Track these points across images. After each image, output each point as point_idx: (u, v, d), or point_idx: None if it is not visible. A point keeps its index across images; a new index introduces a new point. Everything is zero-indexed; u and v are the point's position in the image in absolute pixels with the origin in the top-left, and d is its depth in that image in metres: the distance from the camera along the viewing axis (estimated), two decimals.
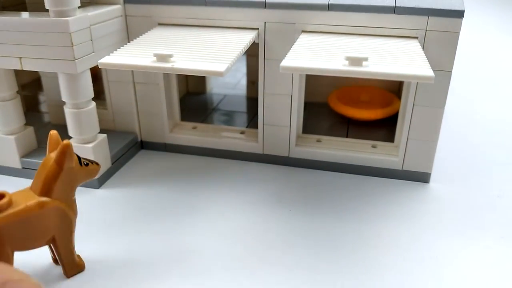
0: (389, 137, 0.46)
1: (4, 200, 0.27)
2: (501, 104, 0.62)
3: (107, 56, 0.34)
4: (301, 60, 0.31)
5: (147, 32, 0.40)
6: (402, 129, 0.41)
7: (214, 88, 0.61)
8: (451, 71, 0.38)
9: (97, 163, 0.31)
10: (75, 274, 0.31)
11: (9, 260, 0.27)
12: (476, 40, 0.95)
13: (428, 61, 0.32)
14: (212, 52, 0.35)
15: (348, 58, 0.30)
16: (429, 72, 0.28)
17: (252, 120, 0.51)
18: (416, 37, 0.38)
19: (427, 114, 0.40)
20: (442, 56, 0.38)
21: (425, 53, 0.37)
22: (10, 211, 0.27)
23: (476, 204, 0.39)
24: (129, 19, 0.43)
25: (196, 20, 0.41)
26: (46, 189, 0.28)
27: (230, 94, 0.59)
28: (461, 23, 0.36)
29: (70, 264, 0.31)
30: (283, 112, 0.43)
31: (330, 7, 0.38)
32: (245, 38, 0.38)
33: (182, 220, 0.37)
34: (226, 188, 0.41)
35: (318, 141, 0.45)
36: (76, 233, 0.31)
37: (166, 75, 0.45)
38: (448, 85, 0.38)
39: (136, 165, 0.45)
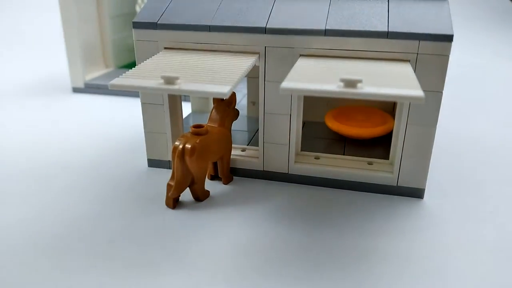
0: (385, 154, 0.48)
1: (204, 128, 0.41)
2: (492, 122, 0.64)
3: (117, 78, 0.36)
4: (299, 82, 0.33)
5: (153, 56, 0.42)
6: (396, 146, 0.43)
7: None
8: (442, 91, 0.40)
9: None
10: (230, 181, 0.47)
11: (207, 168, 0.43)
12: (466, 60, 0.98)
13: (420, 83, 0.34)
14: (216, 74, 0.37)
15: (343, 80, 0.32)
16: (420, 93, 0.31)
17: (253, 138, 0.53)
18: (408, 60, 0.40)
19: (420, 132, 0.42)
20: (433, 77, 0.40)
21: (417, 75, 0.39)
22: (208, 134, 0.42)
23: (469, 219, 0.41)
24: (136, 44, 0.45)
25: (200, 44, 0.44)
26: (222, 122, 0.45)
27: None
28: (451, 46, 0.39)
29: (228, 175, 0.46)
30: (282, 131, 0.45)
31: (326, 33, 0.40)
32: (247, 62, 0.40)
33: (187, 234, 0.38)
34: (227, 204, 0.43)
35: (316, 158, 0.47)
36: None
37: (172, 97, 0.47)
38: (440, 104, 0.41)
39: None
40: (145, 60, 0.41)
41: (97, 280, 0.33)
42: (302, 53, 0.42)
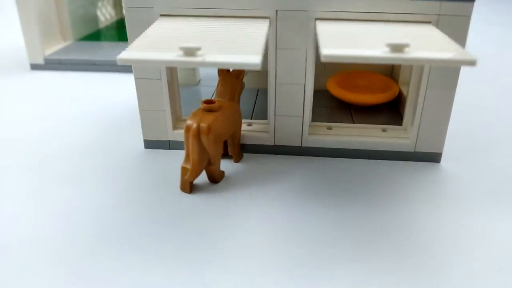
0: (393, 120, 0.47)
1: (216, 104, 0.38)
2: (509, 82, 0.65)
3: (124, 52, 0.31)
4: (340, 48, 0.30)
5: (153, 25, 0.37)
6: (414, 112, 0.42)
7: (203, 80, 0.59)
8: None
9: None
10: (241, 159, 0.44)
11: (222, 146, 0.39)
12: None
13: None
14: (235, 43, 0.33)
15: (389, 45, 0.29)
16: (471, 57, 0.29)
17: (253, 111, 0.50)
18: (429, 22, 0.38)
19: (440, 96, 0.41)
20: (454, 39, 0.38)
21: None
22: (221, 110, 0.38)
23: (490, 180, 0.41)
24: (128, 11, 0.40)
25: (203, 10, 0.39)
26: (231, 96, 0.41)
27: None
28: (472, 6, 0.37)
29: (239, 152, 0.43)
30: (296, 102, 0.42)
31: None
32: (261, 28, 0.36)
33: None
34: (246, 184, 0.40)
35: (329, 128, 0.45)
36: None
37: (170, 70, 0.42)
38: (460, 67, 0.39)
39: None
40: (145, 30, 0.36)
41: (148, 279, 0.29)
42: (317, 17, 0.38)
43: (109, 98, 0.59)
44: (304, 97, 0.42)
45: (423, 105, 0.41)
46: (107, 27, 0.87)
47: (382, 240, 0.33)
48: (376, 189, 0.39)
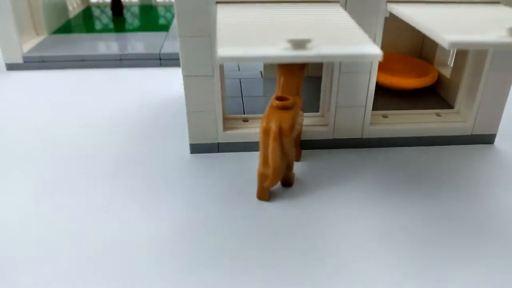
0: (436, 104, 0.46)
1: (291, 100, 0.34)
2: None
3: (222, 48, 0.27)
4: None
5: (219, 13, 0.33)
6: (474, 94, 0.41)
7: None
8: None
9: None
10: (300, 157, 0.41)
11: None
12: None
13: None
14: (338, 33, 0.29)
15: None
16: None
17: None
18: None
19: (500, 78, 0.40)
20: None
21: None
22: (295, 107, 0.34)
23: None
24: None
25: None
26: (297, 91, 0.37)
27: (246, 78, 0.53)
28: None
29: (300, 150, 0.40)
30: (360, 91, 0.40)
31: None
32: (343, 14, 0.33)
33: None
34: (323, 183, 0.37)
35: (384, 116, 0.43)
36: None
37: (221, 65, 0.38)
38: None
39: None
40: (218, 20, 0.31)
41: None
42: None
43: (118, 98, 0.52)
44: (368, 86, 0.39)
45: (483, 88, 0.41)
46: (76, 18, 0.78)
47: (490, 234, 0.32)
48: (452, 175, 0.38)
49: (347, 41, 0.28)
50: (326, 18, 0.32)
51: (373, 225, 0.33)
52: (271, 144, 0.33)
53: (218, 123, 0.40)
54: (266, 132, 0.33)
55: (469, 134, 0.43)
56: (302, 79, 0.38)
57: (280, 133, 0.33)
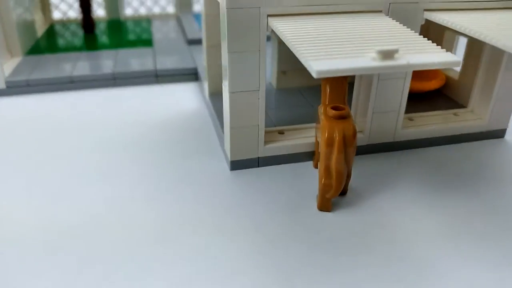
0: (446, 104, 0.49)
1: (347, 109, 0.34)
2: None
3: (316, 62, 0.26)
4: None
5: (281, 26, 0.32)
6: (490, 93, 0.44)
7: None
8: None
9: None
10: None
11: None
12: None
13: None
14: (409, 42, 0.30)
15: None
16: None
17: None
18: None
19: None
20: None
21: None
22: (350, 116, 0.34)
23: None
24: (229, 13, 0.33)
25: (312, 7, 0.35)
26: (344, 100, 0.36)
27: None
28: None
29: None
30: (395, 96, 0.41)
31: None
32: (391, 22, 0.34)
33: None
34: (374, 190, 0.37)
35: (410, 119, 0.45)
36: None
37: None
38: None
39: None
40: (285, 34, 0.31)
41: None
42: (426, 8, 0.37)
43: (124, 120, 0.49)
44: (403, 91, 0.41)
45: (499, 86, 0.44)
46: (44, 37, 0.72)
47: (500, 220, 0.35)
48: (484, 171, 0.41)
49: (421, 49, 0.29)
50: (386, 28, 0.33)
51: (439, 223, 0.34)
52: (335, 154, 0.33)
53: (260, 137, 0.39)
54: (330, 142, 0.33)
55: (485, 130, 0.46)
56: (347, 87, 0.39)
57: (344, 142, 0.33)
